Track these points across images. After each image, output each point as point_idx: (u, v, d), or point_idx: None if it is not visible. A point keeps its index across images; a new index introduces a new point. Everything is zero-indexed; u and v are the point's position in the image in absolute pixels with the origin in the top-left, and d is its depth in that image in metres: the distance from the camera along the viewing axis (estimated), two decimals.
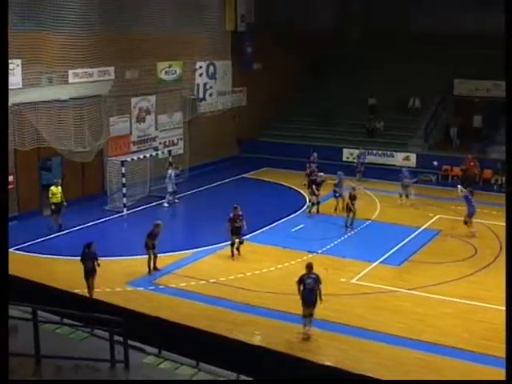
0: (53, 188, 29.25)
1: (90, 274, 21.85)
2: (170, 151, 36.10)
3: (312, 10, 46.86)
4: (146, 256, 24.71)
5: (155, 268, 24.60)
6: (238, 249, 26.34)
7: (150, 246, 24.51)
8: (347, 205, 29.66)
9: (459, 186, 30.42)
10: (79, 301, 18.17)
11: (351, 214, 29.51)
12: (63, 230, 28.90)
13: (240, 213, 26.49)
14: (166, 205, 33.17)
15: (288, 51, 44.69)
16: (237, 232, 26.26)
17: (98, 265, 21.88)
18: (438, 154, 40.25)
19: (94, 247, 21.96)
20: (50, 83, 30.88)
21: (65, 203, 29.50)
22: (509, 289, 8.64)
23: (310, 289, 19.47)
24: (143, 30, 34.11)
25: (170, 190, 33.34)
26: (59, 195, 29.24)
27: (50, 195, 29.15)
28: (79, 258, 22.08)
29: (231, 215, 26.33)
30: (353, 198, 29.71)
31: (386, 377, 14.66)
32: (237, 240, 26.24)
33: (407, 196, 33.18)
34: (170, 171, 33.60)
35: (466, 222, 28.66)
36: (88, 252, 21.97)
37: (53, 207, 29.30)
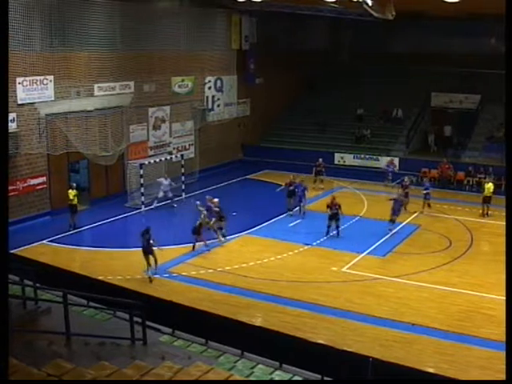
0: (71, 191, 28.72)
1: (147, 253, 22.58)
2: (182, 155, 36.15)
3: (307, 33, 46.93)
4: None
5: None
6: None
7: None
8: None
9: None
10: (103, 286, 18.36)
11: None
12: (77, 228, 28.58)
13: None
14: (152, 206, 32.22)
15: (286, 68, 44.80)
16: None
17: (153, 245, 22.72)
18: (418, 158, 40.38)
19: (150, 231, 22.79)
20: (78, 96, 31.03)
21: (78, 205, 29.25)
22: (509, 289, 8.41)
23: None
24: (160, 49, 34.29)
25: (160, 195, 32.25)
26: (75, 198, 28.73)
27: (72, 197, 28.54)
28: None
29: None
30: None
31: (369, 353, 14.78)
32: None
33: (429, 205, 31.66)
34: (161, 179, 32.64)
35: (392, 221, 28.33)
36: (146, 235, 22.61)
37: (72, 208, 28.68)
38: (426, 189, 31.72)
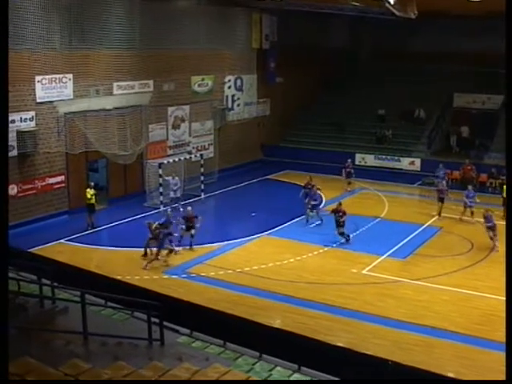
0: (88, 190, 28.75)
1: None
2: (201, 155, 36.19)
3: (327, 32, 46.78)
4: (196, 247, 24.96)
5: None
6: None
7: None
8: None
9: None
10: (121, 286, 18.40)
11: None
12: (95, 228, 28.69)
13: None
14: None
15: (306, 67, 44.72)
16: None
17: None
18: (440, 159, 40.16)
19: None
20: (97, 95, 31.18)
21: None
22: (509, 289, 8.45)
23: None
24: (179, 47, 34.40)
25: (171, 195, 32.10)
26: (93, 197, 28.73)
27: (89, 196, 28.57)
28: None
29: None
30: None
31: (389, 356, 14.71)
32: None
33: (472, 213, 30.29)
34: (168, 178, 32.45)
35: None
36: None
37: (89, 208, 28.73)
38: (469, 195, 30.31)
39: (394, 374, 13.81)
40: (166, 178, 32.42)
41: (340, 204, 27.81)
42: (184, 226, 25.91)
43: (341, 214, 26.98)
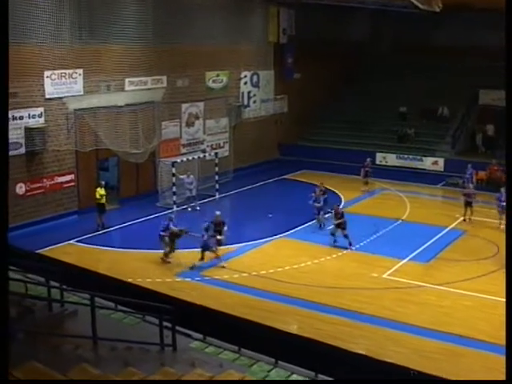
0: (99, 189, 28.73)
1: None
2: (216, 153, 36.19)
3: (347, 26, 46.71)
4: (198, 249, 24.96)
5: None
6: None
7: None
8: None
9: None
10: (132, 289, 18.40)
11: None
12: (105, 228, 28.76)
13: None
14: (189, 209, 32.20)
15: (325, 62, 44.65)
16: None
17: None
18: (465, 159, 39.91)
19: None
20: (108, 90, 31.26)
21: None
22: (509, 290, 8.44)
23: None
24: (193, 42, 34.41)
25: (188, 194, 32.31)
26: (103, 197, 28.72)
27: (99, 196, 28.56)
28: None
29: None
30: None
31: (411, 365, 14.60)
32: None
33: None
34: (182, 177, 32.40)
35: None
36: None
37: (100, 208, 28.77)
38: (502, 199, 27.96)
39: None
40: (181, 177, 32.43)
41: (337, 206, 27.99)
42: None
43: (339, 215, 26.96)
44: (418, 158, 41.40)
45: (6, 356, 7.64)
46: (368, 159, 37.03)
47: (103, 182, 29.64)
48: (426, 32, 46.80)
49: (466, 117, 44.10)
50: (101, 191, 28.75)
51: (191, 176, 32.27)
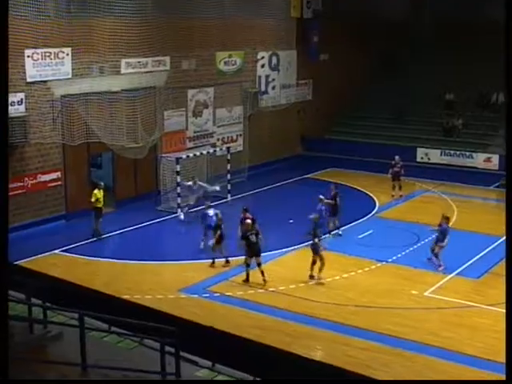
0: (96, 192, 28.66)
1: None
2: (228, 148, 36.14)
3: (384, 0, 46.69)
4: (211, 260, 24.91)
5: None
6: (262, 273, 24.34)
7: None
8: None
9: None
10: (129, 307, 18.37)
11: None
12: (100, 236, 28.81)
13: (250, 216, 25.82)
14: (181, 217, 31.63)
15: (358, 41, 44.60)
16: (253, 251, 24.58)
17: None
18: None
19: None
20: (101, 73, 31.34)
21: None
22: (509, 291, 8.72)
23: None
24: (201, 16, 34.43)
25: (191, 202, 31.84)
26: (102, 200, 28.71)
27: (94, 199, 28.49)
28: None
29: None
30: None
31: None
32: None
33: None
34: (189, 183, 32.02)
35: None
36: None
37: (97, 212, 28.71)
38: None
39: None
40: (187, 184, 32.00)
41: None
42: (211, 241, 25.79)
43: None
44: (468, 154, 41.32)
45: (6, 356, 7.54)
46: (396, 157, 35.72)
47: (102, 183, 29.34)
48: (477, 7, 46.64)
49: None
50: (98, 194, 28.59)
51: (198, 183, 31.91)
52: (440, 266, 25.45)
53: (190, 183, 32.02)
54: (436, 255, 25.71)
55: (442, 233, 25.71)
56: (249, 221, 25.19)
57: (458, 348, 19.78)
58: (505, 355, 8.41)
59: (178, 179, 32.33)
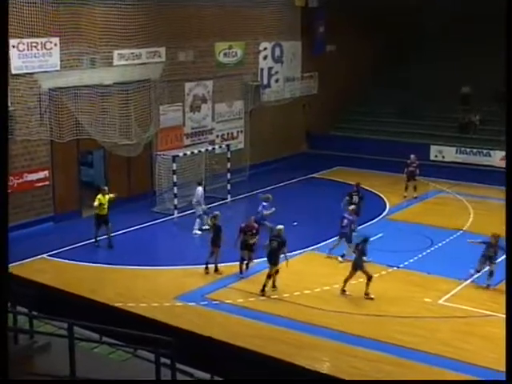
0: (100, 197, 28.12)
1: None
2: (228, 146, 36.17)
3: None
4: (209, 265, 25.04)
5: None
6: (247, 264, 25.97)
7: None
8: None
9: None
10: (122, 316, 18.38)
11: None
12: (98, 240, 28.64)
13: (255, 225, 26.13)
14: (197, 232, 30.45)
15: (366, 32, 44.66)
16: (249, 248, 25.90)
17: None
18: None
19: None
20: (91, 65, 31.34)
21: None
22: (509, 291, 8.55)
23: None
24: (199, 4, 34.47)
25: (199, 212, 30.82)
26: (106, 205, 28.19)
27: (97, 203, 28.02)
28: None
29: (243, 225, 25.93)
30: None
31: None
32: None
33: None
34: (200, 189, 31.11)
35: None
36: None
37: (98, 219, 28.31)
38: None
39: None
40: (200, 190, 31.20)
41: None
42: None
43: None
44: (485, 152, 41.30)
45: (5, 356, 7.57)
46: (412, 156, 35.79)
47: (106, 188, 28.86)
48: None
49: None
50: (102, 199, 28.06)
51: (199, 188, 31.01)
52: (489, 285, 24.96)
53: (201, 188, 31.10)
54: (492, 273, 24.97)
55: (503, 248, 24.90)
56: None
57: (473, 359, 19.71)
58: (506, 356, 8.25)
59: (175, 179, 32.35)
